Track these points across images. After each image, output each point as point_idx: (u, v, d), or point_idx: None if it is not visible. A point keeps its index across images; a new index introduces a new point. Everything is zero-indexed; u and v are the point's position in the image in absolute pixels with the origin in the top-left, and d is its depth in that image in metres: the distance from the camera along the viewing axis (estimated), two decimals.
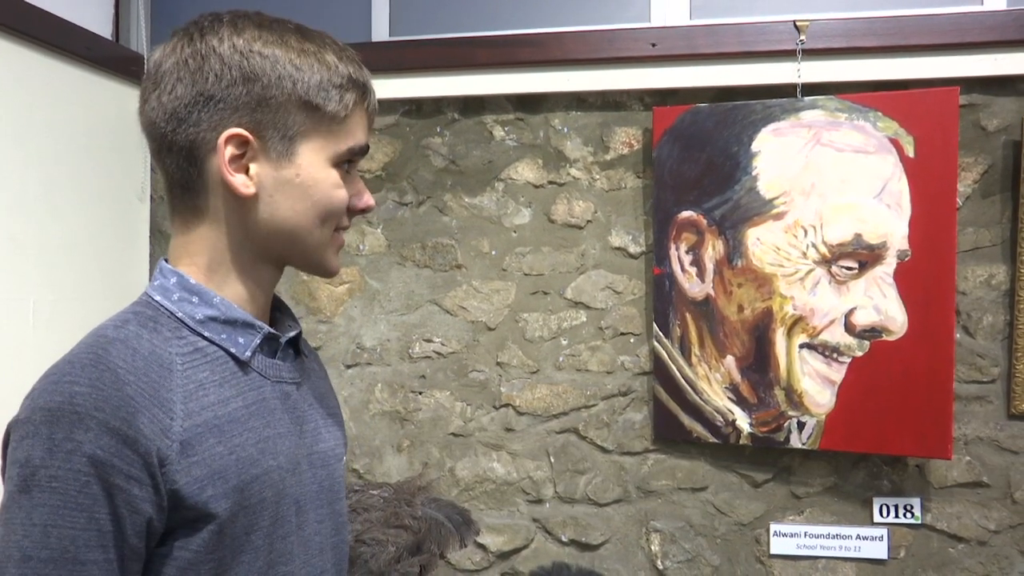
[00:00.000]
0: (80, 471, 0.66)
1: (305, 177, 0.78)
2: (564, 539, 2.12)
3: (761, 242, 1.92)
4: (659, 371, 2.03)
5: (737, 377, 1.96)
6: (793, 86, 1.94)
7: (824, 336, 1.89)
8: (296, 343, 0.88)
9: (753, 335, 1.94)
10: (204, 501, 0.71)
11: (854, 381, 1.88)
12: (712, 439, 1.99)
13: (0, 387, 1.76)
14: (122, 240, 2.21)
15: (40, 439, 0.66)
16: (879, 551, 1.97)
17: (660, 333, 2.02)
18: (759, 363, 1.94)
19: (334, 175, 0.79)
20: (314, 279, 2.24)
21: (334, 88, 0.78)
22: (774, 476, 2.02)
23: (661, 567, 2.07)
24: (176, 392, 0.72)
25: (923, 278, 1.83)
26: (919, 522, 1.96)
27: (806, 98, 1.90)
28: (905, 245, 1.84)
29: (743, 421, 1.96)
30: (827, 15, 1.97)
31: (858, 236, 1.86)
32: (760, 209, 1.92)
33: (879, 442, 1.87)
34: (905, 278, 1.84)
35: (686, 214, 1.98)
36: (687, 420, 2.01)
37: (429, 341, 2.19)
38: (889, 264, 1.85)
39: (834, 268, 1.88)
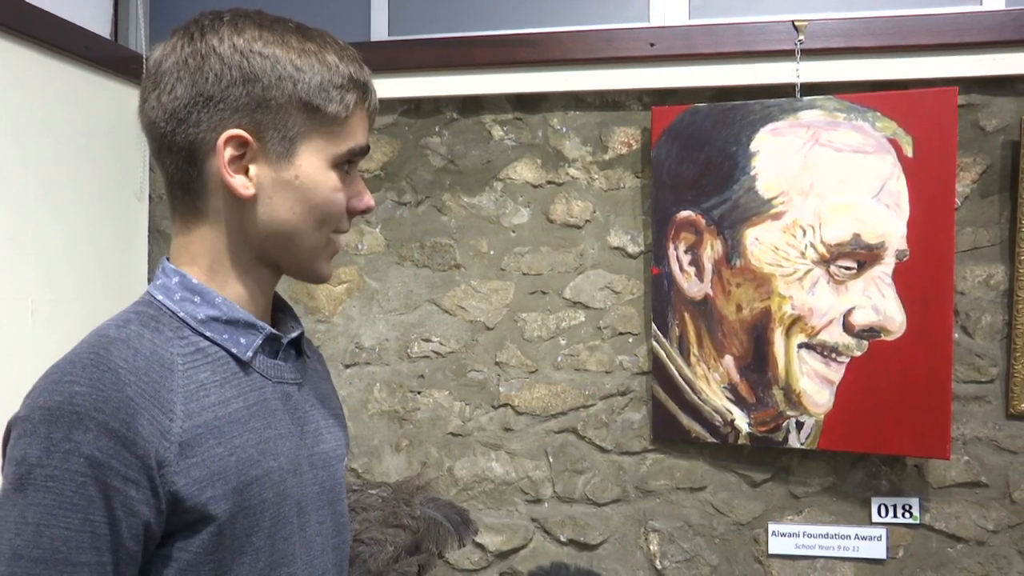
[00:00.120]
0: (77, 472, 0.65)
1: (304, 179, 0.78)
2: (563, 539, 2.12)
3: (760, 242, 1.93)
4: (658, 371, 2.03)
5: (736, 377, 1.96)
6: (792, 86, 1.94)
7: (823, 336, 1.90)
8: (298, 343, 0.88)
9: (752, 335, 1.94)
10: (203, 502, 0.71)
11: (853, 381, 1.88)
12: (711, 439, 1.99)
13: (0, 387, 1.77)
14: (121, 240, 2.21)
15: (38, 438, 0.66)
16: (878, 551, 1.97)
17: (659, 333, 2.02)
18: (758, 363, 1.94)
19: (333, 178, 0.79)
20: None
21: (335, 89, 0.77)
22: (773, 476, 2.02)
23: (659, 567, 2.07)
24: (177, 392, 0.72)
25: (922, 278, 1.83)
26: (918, 522, 1.96)
27: (805, 98, 1.90)
28: (904, 245, 1.84)
29: (742, 421, 1.96)
30: (826, 15, 1.97)
31: (856, 236, 1.86)
32: (759, 209, 1.93)
33: (878, 442, 1.87)
34: (904, 278, 1.84)
35: (685, 214, 1.99)
36: (686, 420, 2.01)
37: (428, 341, 2.19)
38: (888, 264, 1.85)
39: (832, 268, 1.88)
